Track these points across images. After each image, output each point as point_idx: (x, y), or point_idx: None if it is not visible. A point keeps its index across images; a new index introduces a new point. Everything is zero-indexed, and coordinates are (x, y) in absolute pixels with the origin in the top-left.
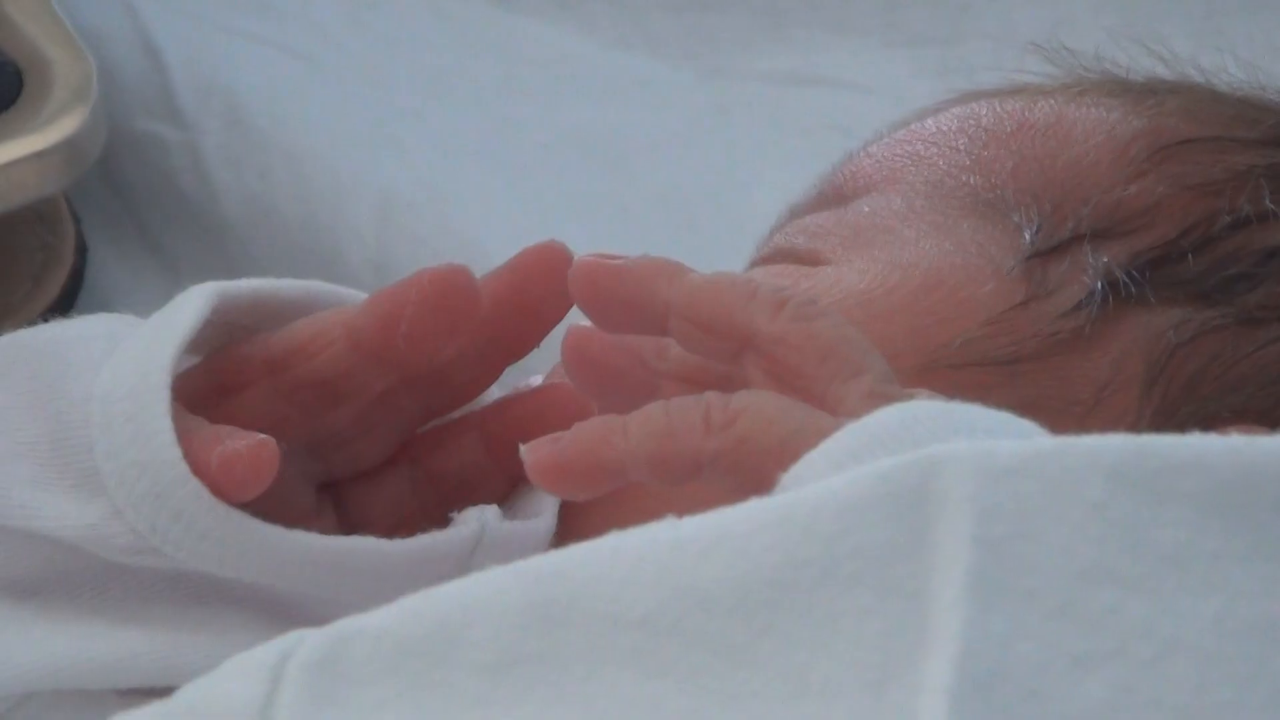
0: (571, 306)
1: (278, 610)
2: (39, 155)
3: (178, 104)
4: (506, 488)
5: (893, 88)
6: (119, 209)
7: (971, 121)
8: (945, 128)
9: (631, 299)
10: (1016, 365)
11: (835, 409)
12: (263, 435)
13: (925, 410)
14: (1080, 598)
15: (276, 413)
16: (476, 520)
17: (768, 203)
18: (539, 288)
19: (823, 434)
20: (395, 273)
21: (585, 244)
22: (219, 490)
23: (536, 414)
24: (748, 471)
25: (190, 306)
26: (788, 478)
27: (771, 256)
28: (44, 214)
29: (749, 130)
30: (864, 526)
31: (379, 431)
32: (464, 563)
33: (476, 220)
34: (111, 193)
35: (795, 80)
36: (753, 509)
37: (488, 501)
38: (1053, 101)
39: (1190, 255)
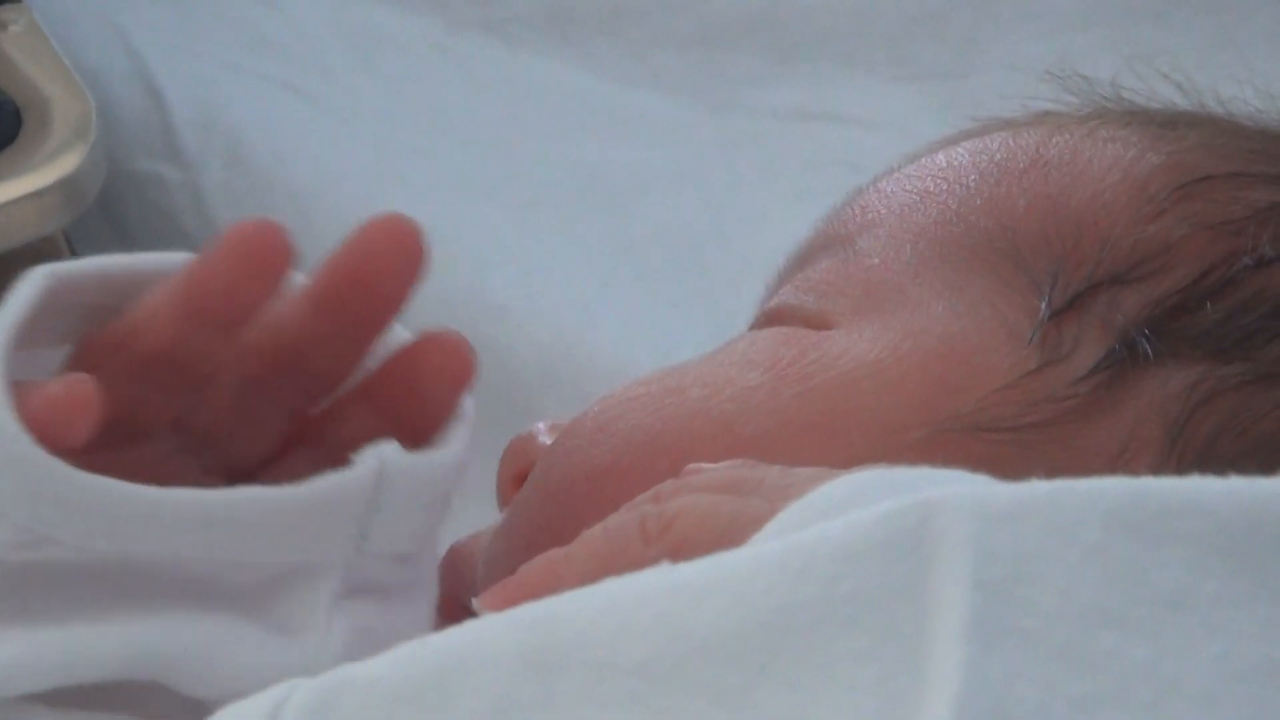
0: (419, 276)
1: (197, 592)
2: (38, 194)
3: (179, 143)
4: (412, 448)
5: (900, 122)
6: (119, 248)
7: (984, 157)
8: (957, 163)
9: None
10: (1030, 433)
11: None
12: (80, 374)
13: (870, 479)
14: (1080, 640)
15: (133, 395)
16: (375, 457)
17: (775, 238)
18: (382, 263)
19: (759, 520)
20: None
21: (592, 281)
22: (47, 438)
23: (413, 370)
24: None
25: (22, 293)
26: None
27: (779, 311)
28: (43, 253)
29: (756, 166)
30: (861, 570)
31: (263, 419)
32: (371, 503)
33: (481, 258)
34: (112, 232)
35: (802, 115)
36: (748, 554)
37: None
38: (1068, 136)
39: (1209, 302)
